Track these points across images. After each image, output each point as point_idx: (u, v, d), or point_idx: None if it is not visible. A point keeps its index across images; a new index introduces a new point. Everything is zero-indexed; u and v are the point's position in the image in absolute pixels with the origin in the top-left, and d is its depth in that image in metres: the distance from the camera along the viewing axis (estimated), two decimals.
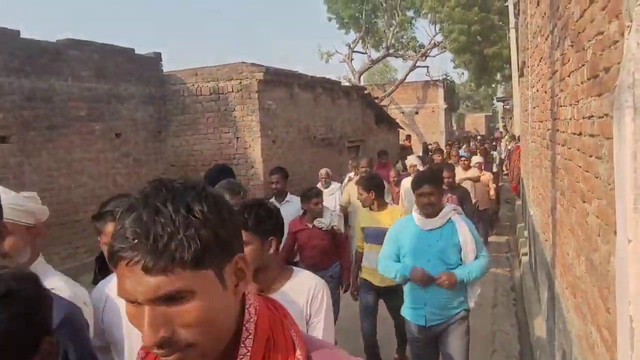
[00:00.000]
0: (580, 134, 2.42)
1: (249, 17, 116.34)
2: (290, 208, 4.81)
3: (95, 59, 8.29)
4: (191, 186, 0.85)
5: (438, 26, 25.62)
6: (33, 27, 68.57)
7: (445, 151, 13.57)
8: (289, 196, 5.06)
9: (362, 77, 29.49)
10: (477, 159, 9.29)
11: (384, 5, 26.05)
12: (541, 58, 4.62)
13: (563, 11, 2.88)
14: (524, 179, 9.06)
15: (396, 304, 3.67)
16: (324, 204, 6.73)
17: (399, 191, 6.66)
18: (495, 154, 13.67)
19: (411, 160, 7.38)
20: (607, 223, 1.79)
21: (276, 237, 1.98)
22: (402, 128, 20.55)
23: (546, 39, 4.05)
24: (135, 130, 9.12)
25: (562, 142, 3.10)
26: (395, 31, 27.10)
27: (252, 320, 0.90)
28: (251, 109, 9.36)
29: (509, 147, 16.89)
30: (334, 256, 4.43)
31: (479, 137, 22.47)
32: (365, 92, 16.11)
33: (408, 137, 19.48)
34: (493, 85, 36.12)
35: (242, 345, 0.87)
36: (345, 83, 15.39)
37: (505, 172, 13.99)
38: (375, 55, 28.73)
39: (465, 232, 3.20)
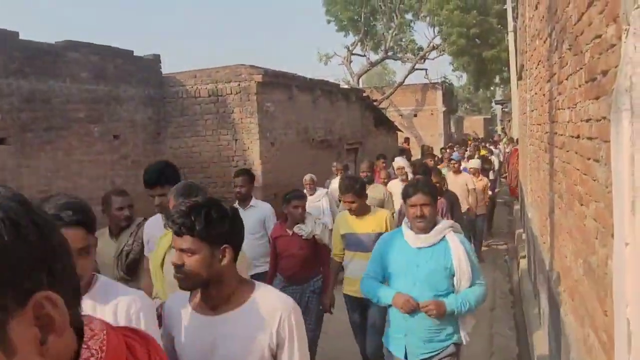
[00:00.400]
0: (578, 136, 2.43)
1: (248, 19, 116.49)
2: (254, 214, 4.53)
3: (94, 60, 8.29)
4: None
5: (437, 29, 25.66)
6: (32, 29, 68.57)
7: (440, 155, 13.53)
8: (254, 201, 4.75)
9: (361, 80, 29.52)
10: (473, 163, 8.80)
11: (383, 8, 26.09)
12: (539, 61, 4.63)
13: (561, 14, 2.89)
14: (522, 182, 9.06)
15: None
16: (310, 211, 6.69)
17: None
18: (493, 158, 13.47)
19: (398, 162, 6.81)
20: (605, 226, 1.78)
21: (231, 245, 1.66)
22: (400, 130, 20.56)
23: (544, 42, 4.05)
24: (134, 132, 9.12)
25: (560, 144, 3.10)
26: (394, 34, 27.14)
27: None
28: (250, 111, 9.36)
29: (507, 150, 16.93)
30: (315, 268, 4.08)
31: (475, 140, 22.36)
32: (364, 94, 16.13)
33: (407, 139, 19.50)
34: (492, 88, 36.15)
35: None
36: (344, 85, 15.42)
37: (504, 175, 14.00)
38: (374, 57, 28.78)
39: (460, 254, 2.75)
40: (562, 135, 3.04)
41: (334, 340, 4.77)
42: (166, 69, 10.11)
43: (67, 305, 0.60)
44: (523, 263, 6.93)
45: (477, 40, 23.59)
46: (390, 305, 2.84)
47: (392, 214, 5.13)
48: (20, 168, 7.23)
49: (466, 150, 14.15)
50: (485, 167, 9.83)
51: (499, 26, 22.40)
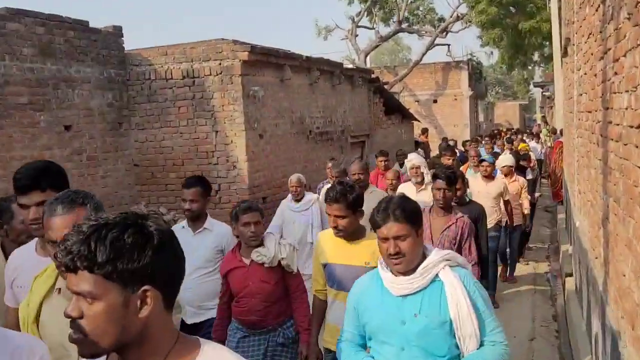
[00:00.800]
0: (639, 127, 2.42)
1: None
2: (207, 240, 4.22)
3: (40, 33, 8.26)
4: None
5: None
6: None
7: (463, 150, 13.40)
8: (210, 221, 4.32)
9: (368, 58, 29.57)
10: (504, 160, 8.33)
11: None
12: (590, 33, 4.63)
13: None
14: (568, 183, 9.06)
15: None
16: (295, 223, 6.29)
17: None
18: (531, 154, 13.17)
19: (413, 159, 6.49)
20: None
21: (156, 287, 1.34)
22: (417, 120, 20.60)
23: (596, 10, 4.05)
24: (90, 121, 9.09)
25: (617, 136, 3.09)
26: (409, 1, 27.18)
27: None
28: (233, 97, 9.35)
29: (549, 144, 16.94)
30: (286, 309, 3.74)
31: (509, 131, 22.29)
32: (373, 76, 16.14)
33: (424, 131, 19.49)
34: (529, 68, 36.24)
35: None
36: (348, 65, 15.44)
37: (544, 174, 13.96)
38: (384, 30, 28.82)
39: (460, 299, 2.40)
40: (618, 124, 3.03)
41: None
42: (130, 44, 10.11)
43: None
44: (570, 283, 6.93)
45: (511, 8, 23.62)
46: None
47: None
48: None
49: (493, 145, 13.43)
50: (521, 166, 9.59)
51: None
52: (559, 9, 14.00)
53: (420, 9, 28.53)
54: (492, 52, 31.82)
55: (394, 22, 27.99)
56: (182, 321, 4.31)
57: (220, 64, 9.38)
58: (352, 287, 2.70)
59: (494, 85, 56.96)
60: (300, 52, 11.43)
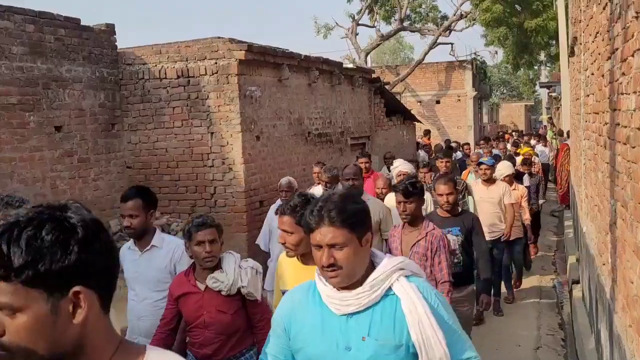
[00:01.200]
0: None
1: None
2: (156, 259, 3.87)
3: (29, 31, 8.26)
4: None
5: None
6: None
7: (462, 154, 13.26)
8: (158, 237, 3.94)
9: (369, 57, 29.61)
10: (503, 168, 7.93)
11: None
12: (597, 32, 4.64)
13: None
14: (575, 186, 9.07)
15: None
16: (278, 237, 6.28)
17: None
18: (535, 158, 12.74)
19: (399, 166, 6.23)
20: None
21: (89, 286, 1.24)
22: (419, 121, 20.61)
23: (603, 8, 4.06)
24: (82, 122, 9.09)
25: (624, 139, 3.09)
26: None
27: None
28: (229, 97, 9.36)
29: (555, 146, 16.96)
30: (245, 339, 3.47)
31: (515, 132, 22.24)
32: (374, 75, 16.15)
33: (427, 132, 19.56)
34: (535, 68, 36.32)
35: None
36: (348, 65, 15.42)
37: (550, 178, 13.95)
38: (385, 29, 28.86)
39: (421, 317, 2.02)
40: (626, 127, 3.04)
41: None
42: (123, 42, 10.10)
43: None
44: (577, 290, 6.93)
45: (517, 6, 23.66)
46: None
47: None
48: None
49: (491, 148, 12.84)
50: (522, 172, 9.29)
51: None
52: (566, 6, 14.05)
53: (423, 6, 28.61)
54: (496, 52, 31.96)
55: (395, 20, 28.04)
56: None
57: (216, 63, 9.38)
58: (281, 302, 2.29)
59: (499, 85, 57.04)
60: (299, 51, 11.44)
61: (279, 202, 6.31)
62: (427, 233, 4.27)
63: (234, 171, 9.39)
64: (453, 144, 15.93)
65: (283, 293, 3.06)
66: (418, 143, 18.42)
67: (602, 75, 4.24)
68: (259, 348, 3.35)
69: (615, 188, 3.54)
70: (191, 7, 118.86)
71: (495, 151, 12.71)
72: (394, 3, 27.36)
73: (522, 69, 33.16)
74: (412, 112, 20.09)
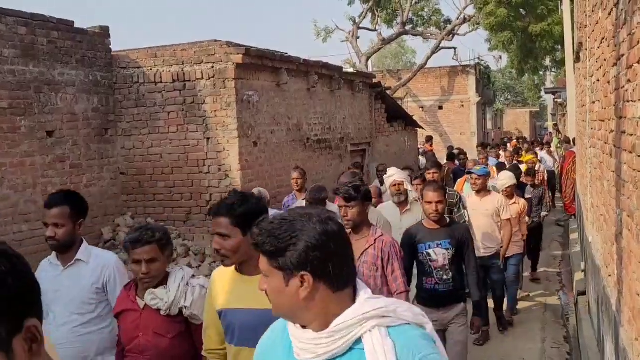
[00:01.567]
0: None
1: None
2: (81, 276, 3.42)
3: (22, 34, 8.29)
4: None
5: None
6: None
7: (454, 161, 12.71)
8: (85, 251, 3.45)
9: (370, 62, 29.67)
10: (505, 178, 7.56)
11: None
12: (603, 38, 4.65)
13: None
14: (581, 195, 9.08)
15: None
16: None
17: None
18: (540, 166, 12.46)
19: (393, 175, 5.84)
20: None
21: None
22: (421, 127, 20.65)
23: (609, 14, 4.08)
24: (74, 127, 9.10)
25: (630, 147, 3.10)
26: (413, 2, 27.31)
27: None
28: (226, 102, 9.38)
29: (560, 154, 16.96)
30: None
31: (519, 139, 22.15)
32: (375, 80, 16.19)
33: (429, 139, 19.53)
34: (540, 73, 36.37)
35: None
36: (348, 69, 15.49)
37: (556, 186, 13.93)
38: (387, 33, 28.95)
39: None
40: (632, 135, 3.05)
41: None
42: (117, 45, 10.14)
43: None
44: (582, 302, 6.92)
45: (521, 10, 23.74)
46: None
47: None
48: None
49: (487, 155, 12.26)
50: (525, 183, 8.89)
51: None
52: (572, 11, 14.10)
53: (426, 10, 28.69)
54: (500, 56, 32.09)
55: (397, 23, 28.13)
56: None
57: (212, 67, 9.41)
58: (258, 344, 1.95)
59: (503, 91, 57.16)
60: (298, 55, 11.48)
61: None
62: (375, 240, 4.00)
63: (231, 178, 9.40)
64: (455, 151, 15.87)
65: (220, 315, 2.71)
66: (423, 152, 18.42)
67: (608, 82, 4.25)
68: None
69: (621, 197, 3.54)
70: (187, 9, 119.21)
71: (493, 161, 12.26)
72: (396, 6, 27.46)
73: (527, 75, 33.21)
74: (414, 118, 20.15)
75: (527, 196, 8.55)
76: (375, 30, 28.98)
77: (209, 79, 9.41)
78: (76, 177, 9.08)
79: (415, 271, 4.78)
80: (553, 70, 33.56)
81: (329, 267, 1.61)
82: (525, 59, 25.71)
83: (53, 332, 3.23)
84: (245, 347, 2.55)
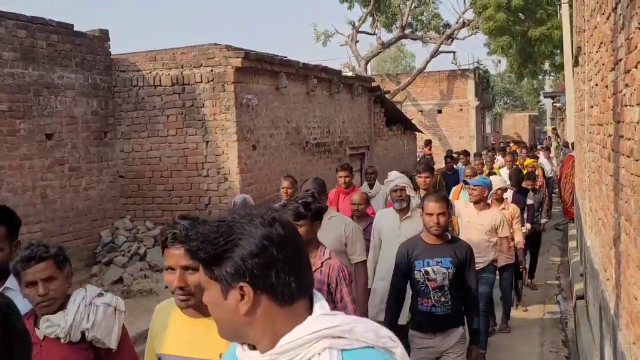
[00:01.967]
0: None
1: None
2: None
3: (21, 37, 8.30)
4: None
5: (468, 0, 25.89)
6: None
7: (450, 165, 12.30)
8: (12, 277, 2.77)
9: (369, 65, 29.72)
10: (497, 181, 7.13)
11: None
12: (601, 42, 4.66)
13: None
14: (579, 199, 9.08)
15: None
16: None
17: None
18: (539, 170, 12.03)
19: (395, 179, 5.41)
20: None
21: None
22: (420, 131, 20.67)
23: (607, 18, 4.09)
24: (73, 130, 9.11)
25: (628, 152, 3.11)
26: (412, 6, 27.36)
27: None
28: (225, 105, 9.38)
29: (559, 158, 16.96)
30: None
31: (518, 143, 21.95)
32: (374, 84, 16.21)
33: (428, 142, 19.58)
34: (539, 77, 36.44)
35: None
36: (347, 73, 15.49)
37: (554, 191, 13.89)
38: (386, 36, 28.99)
39: None
40: (630, 139, 3.05)
41: None
42: (116, 49, 10.15)
43: None
44: (580, 305, 6.92)
45: (520, 14, 23.78)
46: None
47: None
48: None
49: (481, 162, 11.44)
50: (523, 187, 8.46)
51: None
52: (571, 15, 14.13)
53: (425, 14, 28.71)
54: (499, 61, 32.09)
55: (396, 27, 28.17)
56: None
57: (211, 70, 9.42)
58: None
59: (502, 95, 57.23)
60: (297, 59, 11.50)
61: None
62: (322, 263, 3.58)
63: (230, 181, 9.40)
64: (454, 155, 15.75)
65: None
66: (422, 156, 18.43)
67: (606, 86, 4.26)
68: None
69: (619, 201, 3.55)
70: (187, 13, 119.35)
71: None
72: (395, 10, 27.50)
73: (526, 79, 33.28)
74: (413, 121, 20.16)
75: (529, 202, 8.36)
76: (374, 34, 29.03)
77: (208, 82, 9.42)
78: (75, 180, 9.08)
79: (409, 291, 4.35)
80: (552, 74, 33.61)
81: (272, 277, 1.36)
82: (524, 63, 25.75)
83: None
84: None
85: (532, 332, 7.12)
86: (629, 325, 3.15)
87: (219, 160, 9.47)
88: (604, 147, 4.63)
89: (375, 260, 5.31)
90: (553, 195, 13.93)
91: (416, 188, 6.53)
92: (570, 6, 14.31)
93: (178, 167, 9.67)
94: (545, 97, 39.17)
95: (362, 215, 5.95)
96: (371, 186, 8.32)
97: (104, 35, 9.80)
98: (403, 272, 4.26)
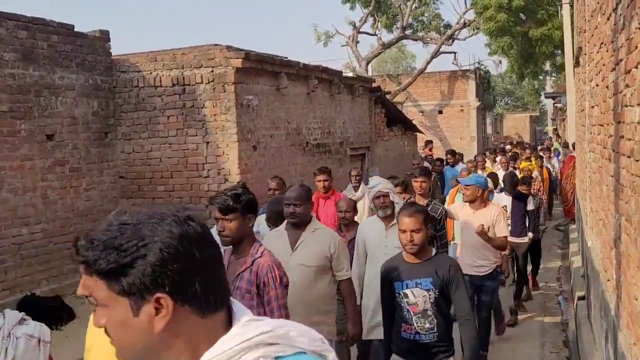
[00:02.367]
0: None
1: None
2: None
3: (22, 37, 8.30)
4: None
5: (469, 0, 25.89)
6: None
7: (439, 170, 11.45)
8: None
9: (370, 66, 29.71)
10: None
11: None
12: (602, 43, 4.67)
13: None
14: (580, 200, 9.07)
15: None
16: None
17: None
18: (537, 174, 11.60)
19: (377, 185, 5.03)
20: None
21: None
22: (421, 132, 20.66)
23: (608, 19, 4.09)
24: (74, 130, 9.11)
25: (629, 152, 3.11)
26: (413, 6, 27.35)
27: None
28: (226, 106, 9.39)
29: (560, 159, 16.93)
30: None
31: (519, 144, 21.83)
32: (374, 84, 16.21)
33: (429, 143, 19.55)
34: (540, 78, 36.44)
35: None
36: (348, 73, 15.48)
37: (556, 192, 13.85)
38: (387, 37, 28.99)
39: None
40: (630, 139, 3.05)
41: None
42: (117, 49, 10.15)
43: None
44: (581, 306, 6.91)
45: (521, 15, 23.77)
46: None
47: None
48: None
49: (478, 163, 11.11)
50: (520, 192, 7.99)
51: None
52: (571, 16, 14.13)
53: (426, 15, 28.70)
54: (500, 61, 32.06)
55: (397, 28, 28.16)
56: None
57: (212, 71, 9.42)
58: None
59: (503, 95, 57.24)
60: (298, 59, 11.50)
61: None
62: (253, 262, 3.27)
63: (230, 182, 9.39)
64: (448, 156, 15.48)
65: None
66: (423, 157, 18.40)
67: (607, 87, 4.26)
68: None
69: (620, 202, 3.55)
70: (187, 13, 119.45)
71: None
72: (396, 11, 27.50)
73: (527, 79, 33.26)
74: (414, 122, 20.15)
75: (530, 207, 8.00)
76: (375, 34, 29.02)
77: (209, 83, 9.43)
78: (76, 180, 9.09)
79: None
80: (553, 74, 33.60)
81: (195, 284, 1.17)
82: (525, 63, 25.73)
83: None
84: None
85: (533, 332, 7.11)
86: (630, 326, 3.15)
87: (219, 161, 9.47)
88: (604, 148, 4.63)
89: (360, 275, 4.80)
90: (553, 197, 13.90)
91: (412, 192, 6.24)
92: (571, 6, 14.31)
93: (178, 167, 9.67)
94: (546, 97, 39.19)
95: (350, 223, 5.46)
96: (356, 189, 7.81)
97: (104, 36, 9.80)
98: (388, 295, 3.82)
